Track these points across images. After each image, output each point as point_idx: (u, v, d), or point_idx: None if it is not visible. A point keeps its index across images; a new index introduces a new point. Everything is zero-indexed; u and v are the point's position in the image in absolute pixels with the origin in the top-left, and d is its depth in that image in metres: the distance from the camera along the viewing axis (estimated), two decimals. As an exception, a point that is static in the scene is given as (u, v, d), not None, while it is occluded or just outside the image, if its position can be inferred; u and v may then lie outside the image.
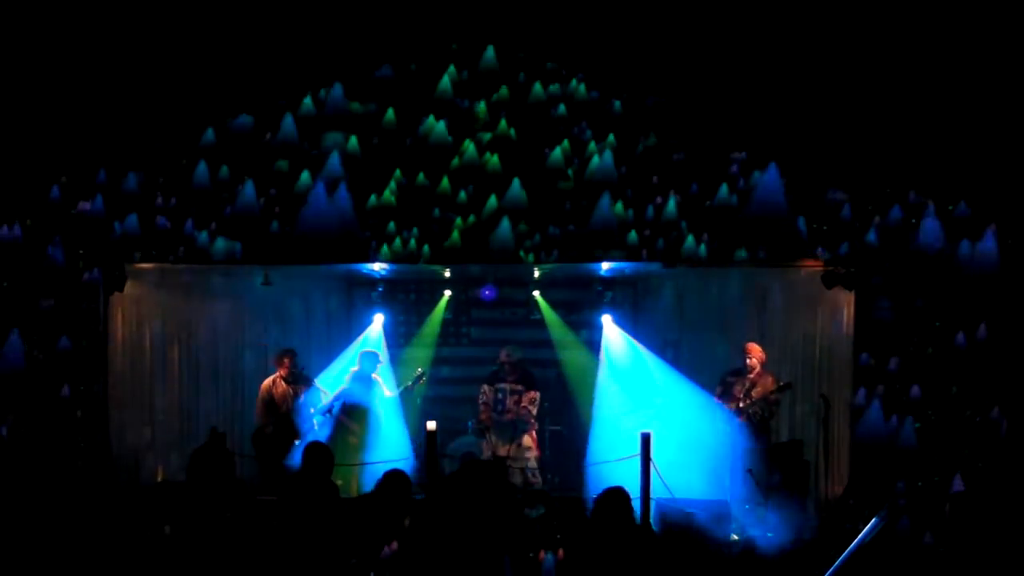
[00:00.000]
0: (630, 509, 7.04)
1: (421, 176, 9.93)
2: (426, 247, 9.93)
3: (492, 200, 9.88)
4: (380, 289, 12.50)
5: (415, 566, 7.21)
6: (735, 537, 9.22)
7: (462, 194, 9.94)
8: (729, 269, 10.29)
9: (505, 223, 9.76)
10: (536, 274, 11.94)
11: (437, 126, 9.91)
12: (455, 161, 9.97)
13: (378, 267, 11.23)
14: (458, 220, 9.91)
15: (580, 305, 12.67)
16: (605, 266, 10.93)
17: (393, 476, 8.00)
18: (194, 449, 8.15)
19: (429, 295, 12.77)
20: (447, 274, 12.03)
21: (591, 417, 12.07)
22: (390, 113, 9.97)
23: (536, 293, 12.47)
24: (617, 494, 7.17)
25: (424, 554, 7.20)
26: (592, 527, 7.10)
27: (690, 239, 9.82)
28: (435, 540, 7.34)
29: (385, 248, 9.88)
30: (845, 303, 10.03)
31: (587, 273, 11.91)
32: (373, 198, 9.91)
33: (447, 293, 12.56)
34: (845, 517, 9.43)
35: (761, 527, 9.51)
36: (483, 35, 10.05)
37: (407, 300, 12.85)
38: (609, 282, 12.28)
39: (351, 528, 7.56)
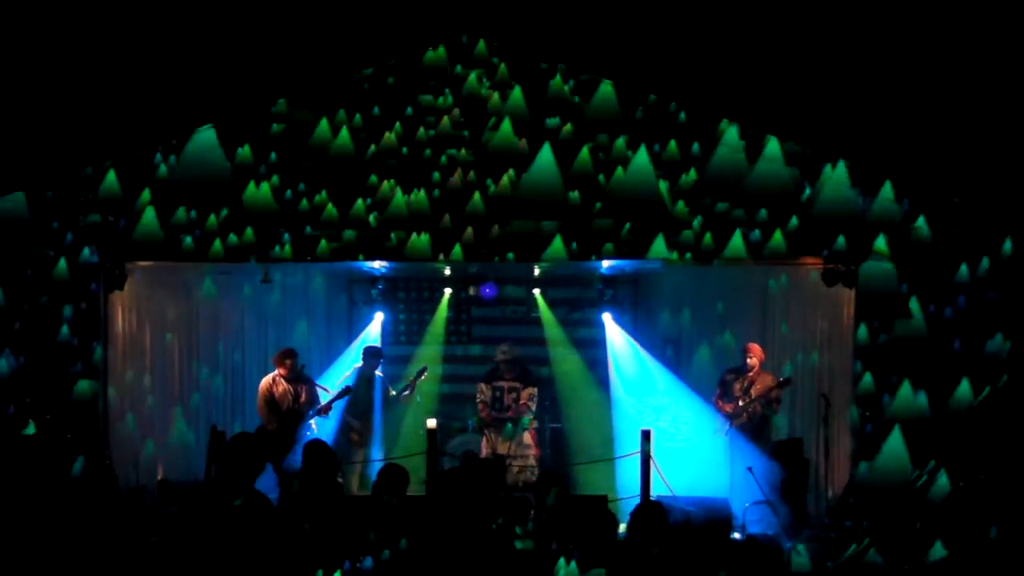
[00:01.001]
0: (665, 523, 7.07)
1: (421, 131, 9.90)
2: (422, 192, 9.87)
3: (491, 121, 9.86)
4: (380, 287, 12.49)
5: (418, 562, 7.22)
6: (736, 535, 9.22)
7: (463, 151, 9.92)
8: (729, 267, 10.26)
9: (507, 124, 9.68)
10: (536, 272, 11.93)
11: (437, 51, 9.90)
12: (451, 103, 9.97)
13: (378, 264, 11.23)
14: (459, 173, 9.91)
15: (581, 303, 12.66)
16: (606, 264, 10.91)
17: (390, 470, 8.01)
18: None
19: (429, 293, 12.76)
20: (447, 272, 12.03)
21: (588, 415, 12.15)
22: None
23: (536, 291, 12.47)
24: (655, 508, 7.19)
25: (426, 550, 7.22)
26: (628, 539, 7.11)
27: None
28: (435, 536, 7.36)
29: (395, 189, 9.82)
30: (845, 301, 10.02)
31: (588, 271, 11.91)
32: (373, 147, 9.89)
33: (447, 291, 12.56)
34: (846, 515, 9.43)
35: (762, 525, 9.53)
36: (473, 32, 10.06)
37: (407, 298, 12.84)
38: (610, 280, 12.27)
39: (351, 524, 7.55)
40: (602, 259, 10.02)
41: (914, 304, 9.40)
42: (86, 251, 9.77)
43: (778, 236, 9.62)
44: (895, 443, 9.16)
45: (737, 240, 9.65)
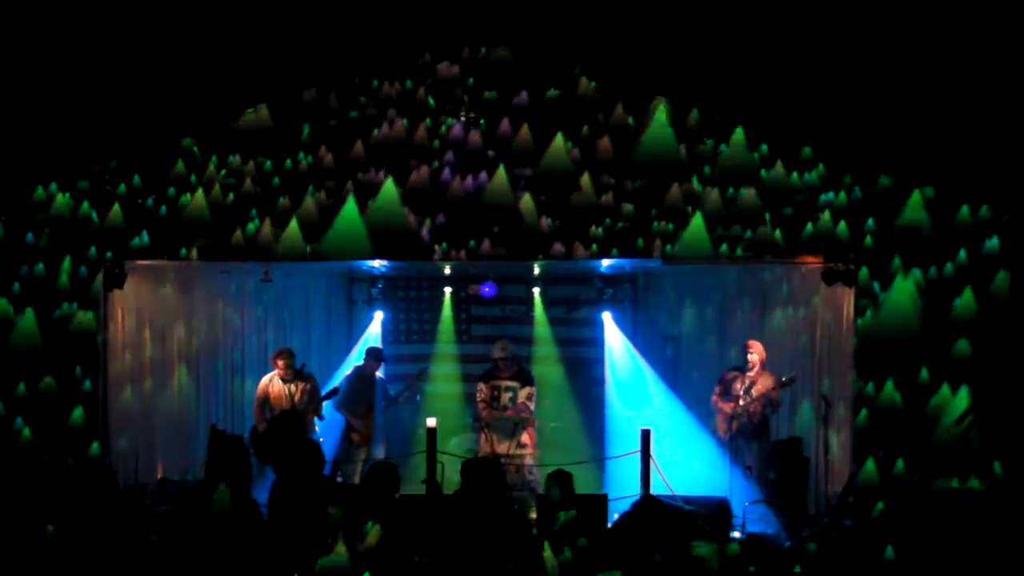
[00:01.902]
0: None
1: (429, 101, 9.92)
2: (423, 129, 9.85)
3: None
4: (380, 286, 12.52)
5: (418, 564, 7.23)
6: (736, 535, 9.21)
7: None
8: (729, 266, 10.24)
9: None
10: (536, 271, 11.93)
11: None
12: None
13: (377, 263, 11.23)
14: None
15: (580, 302, 12.67)
16: (605, 263, 10.90)
17: (379, 469, 8.01)
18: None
19: (429, 292, 12.78)
20: (447, 270, 12.04)
21: (578, 414, 12.18)
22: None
23: (536, 290, 12.47)
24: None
25: (426, 552, 7.22)
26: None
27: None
28: (436, 538, 7.36)
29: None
30: (845, 300, 10.00)
31: (587, 270, 11.91)
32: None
33: (448, 290, 12.57)
34: (846, 515, 9.41)
35: (761, 524, 9.51)
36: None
37: (407, 297, 12.85)
38: (609, 279, 12.28)
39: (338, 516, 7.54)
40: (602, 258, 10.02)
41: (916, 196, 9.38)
42: (85, 205, 9.75)
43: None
44: (901, 293, 9.13)
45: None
